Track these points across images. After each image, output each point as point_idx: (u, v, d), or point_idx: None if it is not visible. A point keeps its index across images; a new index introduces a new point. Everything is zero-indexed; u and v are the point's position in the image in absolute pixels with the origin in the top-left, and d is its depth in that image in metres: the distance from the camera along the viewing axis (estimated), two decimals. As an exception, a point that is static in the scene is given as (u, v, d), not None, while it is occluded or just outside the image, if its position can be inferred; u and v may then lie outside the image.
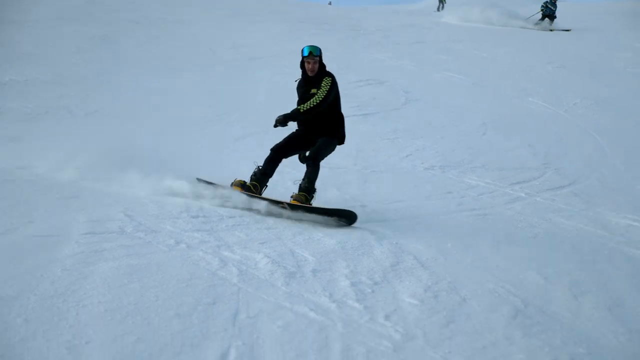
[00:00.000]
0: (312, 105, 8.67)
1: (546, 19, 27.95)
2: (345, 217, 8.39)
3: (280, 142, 8.96)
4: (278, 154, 8.94)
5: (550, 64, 21.42)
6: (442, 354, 5.42)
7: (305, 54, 8.77)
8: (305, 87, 8.90)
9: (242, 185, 8.92)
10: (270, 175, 9.00)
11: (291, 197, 8.64)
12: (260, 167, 8.96)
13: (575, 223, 9.24)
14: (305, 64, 8.83)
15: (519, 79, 19.49)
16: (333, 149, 8.98)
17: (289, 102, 13.69)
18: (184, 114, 14.43)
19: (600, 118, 15.68)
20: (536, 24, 27.99)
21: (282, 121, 8.64)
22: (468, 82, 19.06)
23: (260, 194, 8.91)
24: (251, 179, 8.96)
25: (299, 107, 8.72)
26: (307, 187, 8.66)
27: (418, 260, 7.21)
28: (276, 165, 8.99)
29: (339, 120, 8.98)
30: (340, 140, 9.03)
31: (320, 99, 8.69)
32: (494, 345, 5.62)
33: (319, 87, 8.75)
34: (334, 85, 8.78)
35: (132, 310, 5.58)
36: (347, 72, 19.29)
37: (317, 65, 8.79)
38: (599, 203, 10.15)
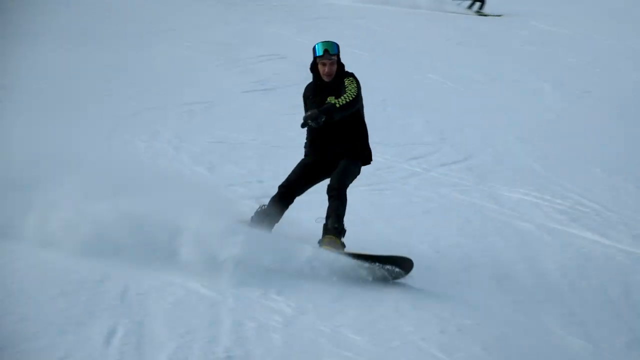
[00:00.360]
0: (349, 100, 6.76)
1: (476, 3, 27.72)
2: (401, 266, 6.58)
3: (289, 177, 7.05)
4: (289, 191, 6.99)
5: (450, 41, 21.71)
6: (332, 327, 5.47)
7: (319, 52, 6.89)
8: (320, 95, 6.94)
9: None
10: (277, 218, 6.97)
11: (320, 243, 6.63)
12: (264, 207, 7.05)
13: (468, 197, 9.40)
14: (319, 66, 6.94)
15: (420, 55, 19.70)
16: (358, 173, 7.08)
17: (189, 75, 13.57)
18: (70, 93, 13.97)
19: (497, 94, 15.94)
20: (468, 8, 27.70)
21: (315, 117, 6.61)
22: (370, 58, 19.17)
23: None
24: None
25: (334, 102, 6.72)
26: (337, 228, 6.63)
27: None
28: (286, 206, 7.00)
29: (364, 133, 7.13)
30: (366, 159, 7.17)
31: (354, 94, 6.81)
32: (384, 318, 5.70)
33: (339, 93, 6.85)
34: (359, 85, 6.97)
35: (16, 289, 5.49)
36: (248, 46, 19.17)
37: (334, 67, 6.94)
38: (491, 178, 10.34)
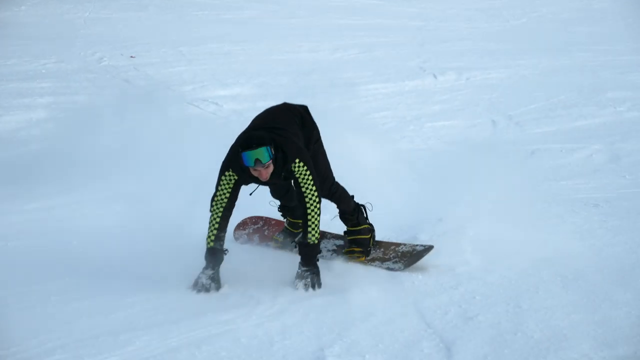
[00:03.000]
0: (315, 219, 6.04)
1: None
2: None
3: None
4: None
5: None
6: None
7: (249, 164, 5.78)
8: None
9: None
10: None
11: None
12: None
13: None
14: (252, 172, 5.87)
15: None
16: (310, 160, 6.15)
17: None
18: None
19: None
20: None
21: (315, 284, 5.98)
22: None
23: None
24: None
25: (311, 242, 6.00)
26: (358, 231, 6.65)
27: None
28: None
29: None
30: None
31: (312, 197, 6.01)
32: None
33: (285, 176, 6.02)
34: (312, 168, 6.04)
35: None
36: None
37: (271, 169, 5.86)
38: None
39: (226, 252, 6.01)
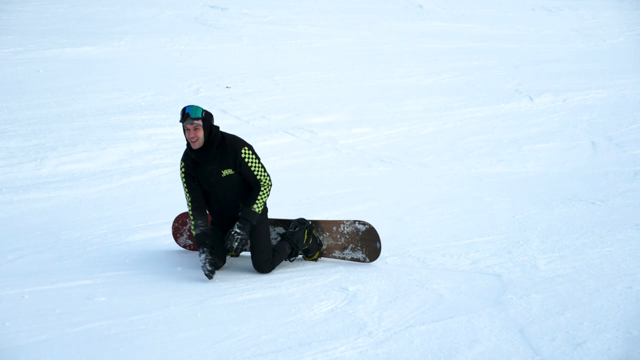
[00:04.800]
0: (266, 193, 6.72)
1: None
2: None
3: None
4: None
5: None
6: None
7: (181, 117, 6.50)
8: (208, 166, 6.62)
9: None
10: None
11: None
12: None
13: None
14: (185, 132, 6.52)
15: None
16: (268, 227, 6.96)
17: None
18: None
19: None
20: None
21: (242, 241, 6.68)
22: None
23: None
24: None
25: (254, 210, 6.65)
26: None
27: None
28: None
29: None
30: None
31: (268, 180, 6.74)
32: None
33: (233, 165, 6.61)
34: (257, 155, 6.79)
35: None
36: None
37: (200, 133, 6.48)
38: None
39: (209, 230, 6.70)
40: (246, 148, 6.65)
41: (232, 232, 6.68)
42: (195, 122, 6.43)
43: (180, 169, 6.75)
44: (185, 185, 6.77)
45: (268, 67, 17.30)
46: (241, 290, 6.40)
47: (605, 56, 19.85)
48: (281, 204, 8.74)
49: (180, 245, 7.57)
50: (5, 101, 13.15)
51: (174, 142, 11.82)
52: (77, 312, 5.77)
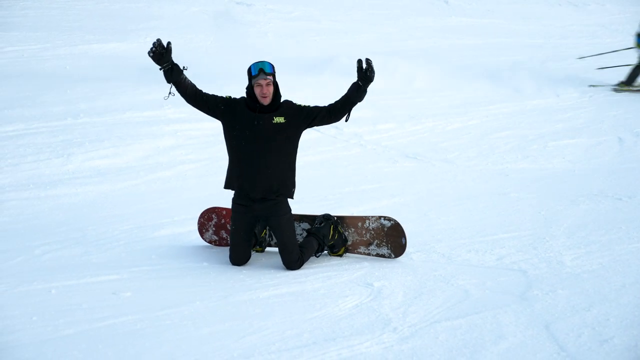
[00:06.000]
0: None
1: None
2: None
3: (231, 251, 6.99)
4: (240, 261, 6.99)
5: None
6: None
7: (254, 72, 6.57)
8: (250, 114, 6.67)
9: None
10: None
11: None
12: None
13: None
14: (255, 88, 6.62)
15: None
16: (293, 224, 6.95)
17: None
18: None
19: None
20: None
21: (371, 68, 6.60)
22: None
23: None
24: None
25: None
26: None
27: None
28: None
29: (293, 167, 6.95)
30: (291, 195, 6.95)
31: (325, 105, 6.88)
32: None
33: (292, 115, 6.71)
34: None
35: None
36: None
37: (271, 88, 6.63)
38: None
39: (185, 68, 6.69)
40: (301, 104, 6.79)
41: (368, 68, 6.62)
42: (269, 77, 6.55)
43: (224, 95, 6.79)
44: (211, 94, 6.78)
45: (293, 63, 17.29)
46: (266, 285, 6.42)
47: (632, 51, 19.66)
48: (307, 199, 8.76)
49: (206, 240, 7.59)
50: (33, 97, 13.23)
51: (200, 137, 11.86)
52: (103, 307, 5.80)
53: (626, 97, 15.47)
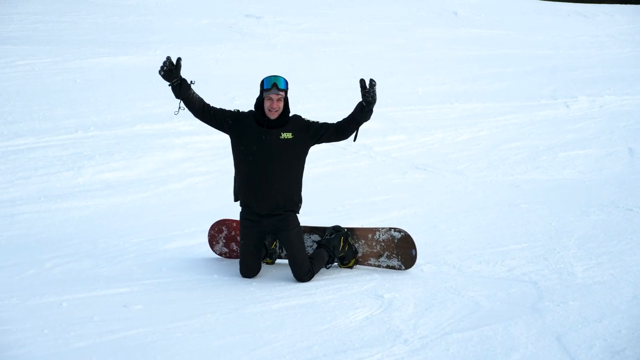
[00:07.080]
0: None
1: None
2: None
3: (241, 263, 7.00)
4: (251, 274, 7.01)
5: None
6: None
7: (267, 85, 6.59)
8: (270, 130, 6.67)
9: None
10: None
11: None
12: None
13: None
14: (265, 101, 6.64)
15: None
16: (302, 235, 6.95)
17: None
18: None
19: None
20: None
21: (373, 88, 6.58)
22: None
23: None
24: None
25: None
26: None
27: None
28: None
29: (300, 182, 6.94)
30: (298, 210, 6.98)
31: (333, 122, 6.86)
32: None
33: (299, 131, 6.71)
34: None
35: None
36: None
37: (281, 104, 6.64)
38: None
39: (192, 82, 6.73)
40: (302, 117, 6.81)
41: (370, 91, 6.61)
42: (281, 92, 6.58)
43: (232, 110, 6.85)
44: (219, 109, 6.83)
45: (302, 75, 17.32)
46: (277, 297, 6.42)
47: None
48: (316, 211, 8.76)
49: (216, 253, 7.60)
50: (43, 110, 13.28)
51: (210, 150, 11.87)
52: (114, 320, 5.81)
53: (637, 107, 15.43)
